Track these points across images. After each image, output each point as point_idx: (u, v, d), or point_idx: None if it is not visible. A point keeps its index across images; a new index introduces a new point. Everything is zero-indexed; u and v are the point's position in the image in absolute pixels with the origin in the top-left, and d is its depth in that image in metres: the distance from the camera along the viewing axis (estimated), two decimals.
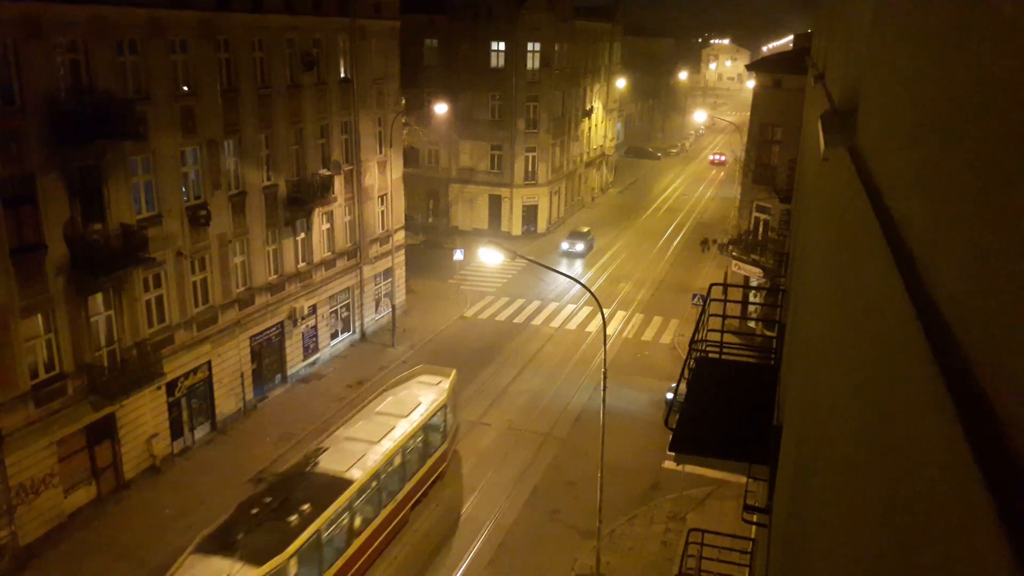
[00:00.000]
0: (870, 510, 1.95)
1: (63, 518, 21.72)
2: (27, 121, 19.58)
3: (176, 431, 25.61)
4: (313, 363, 32.28)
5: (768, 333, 25.66)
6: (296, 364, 31.30)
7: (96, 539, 21.53)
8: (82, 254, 21.09)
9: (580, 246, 48.53)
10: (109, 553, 20.98)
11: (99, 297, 22.38)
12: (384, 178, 35.92)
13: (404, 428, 21.98)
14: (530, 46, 49.87)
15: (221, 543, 16.71)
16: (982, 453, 1.14)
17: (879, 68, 3.20)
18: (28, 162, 19.73)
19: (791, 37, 59.71)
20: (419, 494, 22.90)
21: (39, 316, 20.57)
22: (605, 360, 19.89)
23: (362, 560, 19.86)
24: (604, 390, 19.62)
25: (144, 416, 24.03)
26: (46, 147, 20.01)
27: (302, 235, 30.94)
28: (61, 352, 21.15)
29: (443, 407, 23.78)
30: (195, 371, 26.08)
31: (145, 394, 23.74)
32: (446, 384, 24.88)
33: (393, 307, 35.66)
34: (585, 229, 50.76)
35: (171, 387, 25.05)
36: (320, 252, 32.10)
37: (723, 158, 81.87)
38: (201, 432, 26.75)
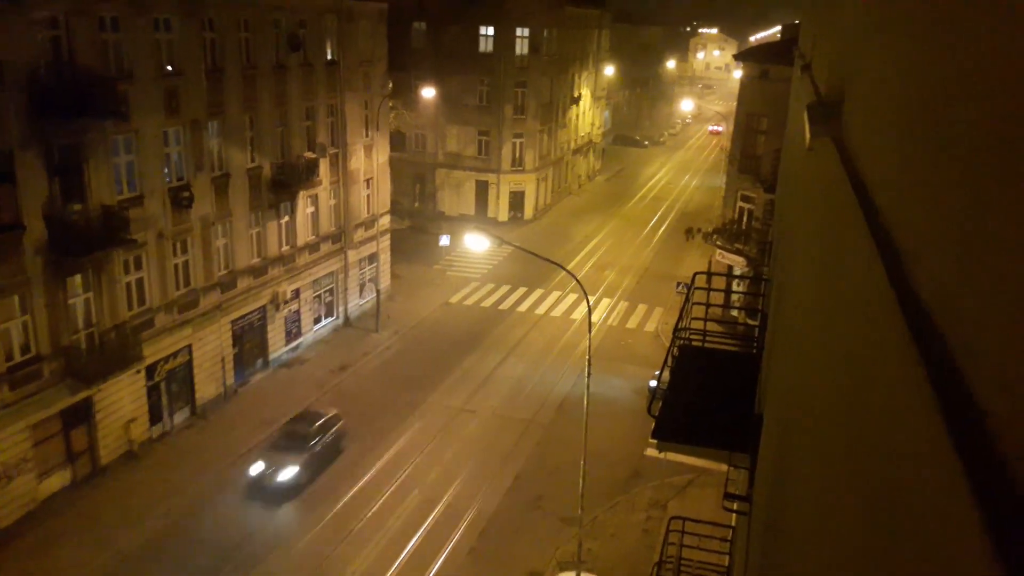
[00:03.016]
0: (850, 499, 1.96)
1: (37, 503, 21.51)
2: (6, 97, 19.24)
3: (155, 416, 25.43)
4: (295, 348, 32.15)
5: (751, 322, 25.83)
6: (278, 349, 31.15)
7: (71, 525, 21.32)
8: (61, 234, 20.82)
9: (286, 473, 22.65)
10: (84, 539, 20.79)
11: (78, 279, 22.12)
12: (370, 162, 35.71)
13: None
14: (519, 31, 49.62)
15: None
16: (963, 443, 1.14)
17: (866, 59, 3.19)
18: (7, 139, 19.41)
19: (778, 27, 59.83)
20: None
21: (15, 297, 20.29)
22: (589, 347, 19.93)
23: None
24: (588, 377, 19.67)
25: (122, 400, 23.82)
26: (26, 124, 19.70)
27: (286, 218, 30.72)
28: (38, 334, 20.89)
29: None
30: (175, 355, 25.88)
31: (123, 378, 23.53)
32: None
33: (378, 292, 35.55)
34: (322, 419, 24.54)
35: (150, 371, 24.85)
36: (304, 236, 31.90)
37: (721, 128, 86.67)
38: (180, 417, 26.59)
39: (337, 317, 34.94)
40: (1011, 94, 1.18)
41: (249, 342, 29.68)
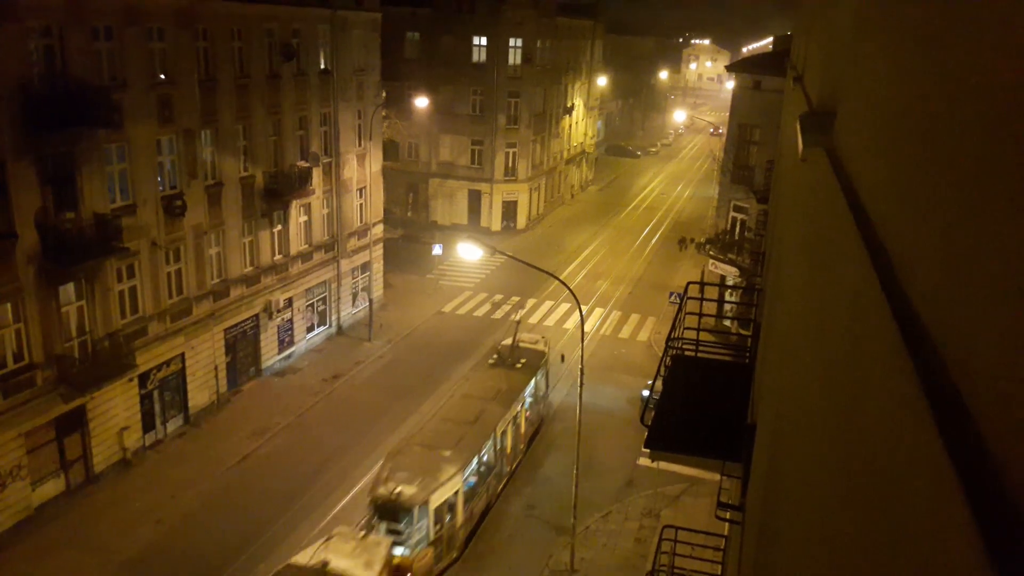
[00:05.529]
0: (843, 509, 1.96)
1: (30, 511, 21.40)
2: None
3: (148, 424, 25.31)
4: (288, 356, 32.05)
5: (743, 332, 25.85)
6: (271, 357, 31.05)
7: (64, 532, 21.23)
8: (54, 243, 20.74)
9: None
10: (77, 547, 20.70)
11: (71, 287, 22.03)
12: (363, 171, 35.72)
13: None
14: (512, 42, 49.78)
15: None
16: (955, 449, 1.15)
17: (859, 71, 3.22)
18: None
19: (770, 39, 60.14)
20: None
21: (8, 305, 20.21)
22: (582, 356, 19.94)
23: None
24: (581, 386, 19.67)
25: (115, 408, 23.72)
26: (18, 133, 19.64)
27: (279, 227, 30.68)
28: (31, 342, 20.80)
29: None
30: (168, 363, 25.78)
31: (116, 386, 23.44)
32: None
33: (370, 301, 35.49)
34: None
35: (143, 379, 24.75)
36: (297, 245, 31.86)
37: (722, 131, 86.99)
38: (173, 425, 26.47)
39: (330, 326, 34.85)
40: (1002, 104, 1.20)
41: (242, 350, 29.58)
